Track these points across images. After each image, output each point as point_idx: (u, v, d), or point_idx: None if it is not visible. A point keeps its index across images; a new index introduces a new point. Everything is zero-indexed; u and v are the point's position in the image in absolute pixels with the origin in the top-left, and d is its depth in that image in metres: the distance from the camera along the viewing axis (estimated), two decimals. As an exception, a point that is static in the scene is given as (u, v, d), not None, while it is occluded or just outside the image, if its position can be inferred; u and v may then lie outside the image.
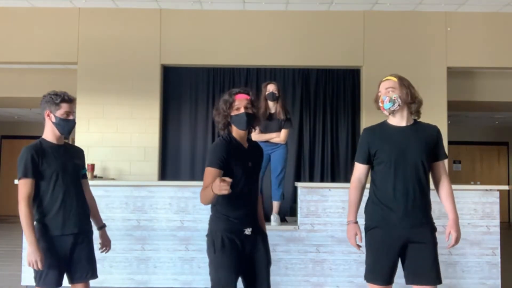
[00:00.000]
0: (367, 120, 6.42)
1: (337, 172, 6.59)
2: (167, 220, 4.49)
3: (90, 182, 3.91)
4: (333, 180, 6.48)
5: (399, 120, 2.74)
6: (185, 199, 4.50)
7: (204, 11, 6.48)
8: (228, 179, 2.27)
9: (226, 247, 2.51)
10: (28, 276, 4.58)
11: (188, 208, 4.49)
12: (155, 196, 4.52)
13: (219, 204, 2.57)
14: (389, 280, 2.66)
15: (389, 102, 2.69)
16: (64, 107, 2.80)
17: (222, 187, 2.25)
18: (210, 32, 6.48)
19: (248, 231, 2.56)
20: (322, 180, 6.48)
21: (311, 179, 6.47)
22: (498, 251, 4.45)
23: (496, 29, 6.43)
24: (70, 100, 2.82)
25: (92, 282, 2.70)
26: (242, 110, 2.58)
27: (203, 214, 4.39)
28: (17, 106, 9.50)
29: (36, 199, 2.66)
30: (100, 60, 6.41)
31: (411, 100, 2.72)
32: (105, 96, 6.29)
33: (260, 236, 2.66)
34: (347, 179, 6.48)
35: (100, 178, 6.13)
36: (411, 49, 6.42)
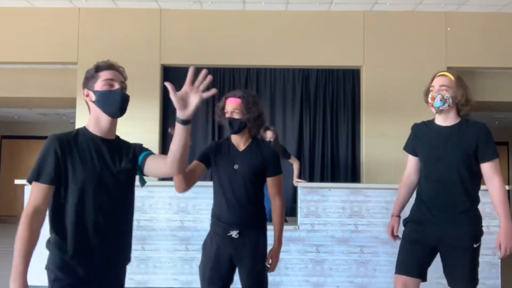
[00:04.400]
0: (367, 120, 6.43)
1: (337, 172, 6.58)
2: (167, 220, 4.50)
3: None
4: (333, 180, 6.48)
5: (443, 120, 2.66)
6: (185, 199, 4.50)
7: (204, 11, 6.48)
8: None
9: (206, 247, 2.65)
10: (28, 276, 4.57)
11: (188, 208, 4.49)
12: (155, 196, 4.53)
13: (213, 206, 2.71)
14: None
15: (440, 101, 2.59)
16: (104, 75, 2.09)
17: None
18: (210, 32, 6.48)
19: (234, 233, 2.56)
20: (322, 180, 6.47)
21: (311, 179, 6.47)
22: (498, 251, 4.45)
23: (496, 29, 6.42)
24: (111, 67, 2.15)
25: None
26: (228, 115, 2.65)
27: (203, 214, 4.40)
28: (17, 106, 9.50)
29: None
30: (100, 60, 6.39)
31: (465, 103, 2.65)
32: (105, 96, 6.27)
33: (250, 243, 2.59)
34: (347, 179, 6.49)
35: (100, 178, 6.12)
36: (411, 49, 6.42)
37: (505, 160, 12.45)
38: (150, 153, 2.07)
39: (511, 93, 7.30)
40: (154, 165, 2.00)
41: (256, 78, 6.69)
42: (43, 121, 11.92)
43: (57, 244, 1.89)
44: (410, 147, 2.80)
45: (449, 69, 6.46)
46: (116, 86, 2.01)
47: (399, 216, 2.85)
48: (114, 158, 1.98)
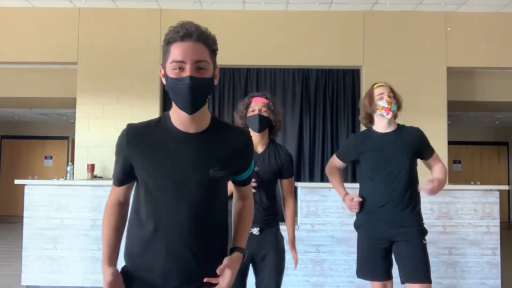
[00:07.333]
0: (367, 120, 6.42)
1: (337, 172, 6.57)
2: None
3: (90, 182, 3.89)
4: (333, 180, 6.47)
5: (386, 126, 2.87)
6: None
7: (204, 11, 6.48)
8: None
9: None
10: (28, 276, 4.57)
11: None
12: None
13: (229, 207, 2.74)
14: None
15: (394, 105, 2.84)
16: (174, 51, 1.47)
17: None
18: (210, 32, 6.47)
19: (255, 230, 2.65)
20: (322, 180, 6.47)
21: (311, 179, 6.47)
22: (498, 251, 4.46)
23: (496, 29, 6.42)
24: (185, 36, 1.49)
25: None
26: (256, 112, 2.72)
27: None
28: (17, 106, 9.50)
29: None
30: (100, 60, 6.41)
31: (399, 109, 2.92)
32: (105, 96, 6.28)
33: (271, 239, 2.70)
34: (347, 179, 6.48)
35: (100, 178, 6.12)
36: (411, 49, 6.42)
37: (505, 160, 12.45)
38: (248, 179, 1.68)
39: (511, 93, 7.31)
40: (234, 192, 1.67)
41: (256, 78, 6.69)
42: (43, 121, 11.92)
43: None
44: (347, 156, 3.01)
45: (449, 69, 6.50)
46: (187, 69, 1.45)
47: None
48: (200, 160, 1.47)
